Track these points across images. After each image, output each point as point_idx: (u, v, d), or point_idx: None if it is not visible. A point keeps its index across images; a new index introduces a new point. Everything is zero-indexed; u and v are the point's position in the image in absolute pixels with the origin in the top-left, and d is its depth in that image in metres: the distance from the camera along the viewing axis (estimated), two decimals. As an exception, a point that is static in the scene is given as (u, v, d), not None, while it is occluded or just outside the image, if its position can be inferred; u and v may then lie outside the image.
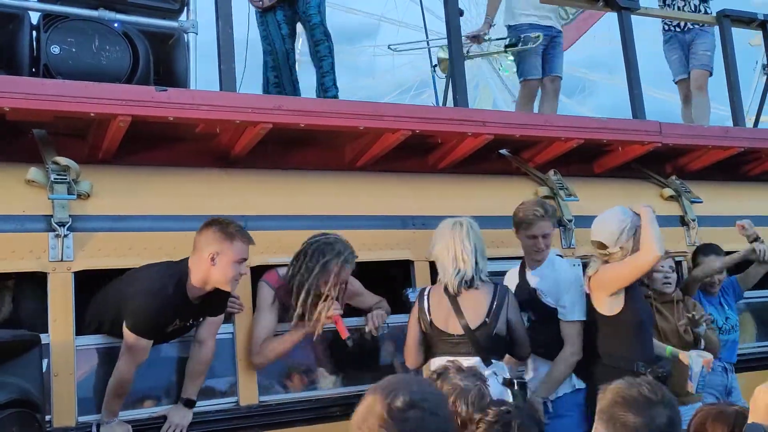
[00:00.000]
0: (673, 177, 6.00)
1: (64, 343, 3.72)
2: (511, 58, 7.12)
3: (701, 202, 5.85)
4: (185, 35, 4.54)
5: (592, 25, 19.45)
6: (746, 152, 6.11)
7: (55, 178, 3.87)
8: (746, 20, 6.66)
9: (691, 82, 6.98)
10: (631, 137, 5.52)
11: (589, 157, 5.86)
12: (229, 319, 4.10)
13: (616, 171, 5.89)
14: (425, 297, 4.09)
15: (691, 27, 6.97)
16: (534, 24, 6.36)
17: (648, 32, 9.84)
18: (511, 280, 4.53)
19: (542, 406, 4.15)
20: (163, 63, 4.60)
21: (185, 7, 4.56)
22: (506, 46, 6.56)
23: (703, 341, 4.74)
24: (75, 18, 4.24)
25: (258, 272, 4.27)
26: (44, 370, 3.50)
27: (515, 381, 3.90)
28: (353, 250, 4.14)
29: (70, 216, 3.84)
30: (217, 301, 3.90)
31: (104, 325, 3.85)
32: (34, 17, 4.28)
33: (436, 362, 3.90)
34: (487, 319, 3.96)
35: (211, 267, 3.68)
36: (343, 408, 4.08)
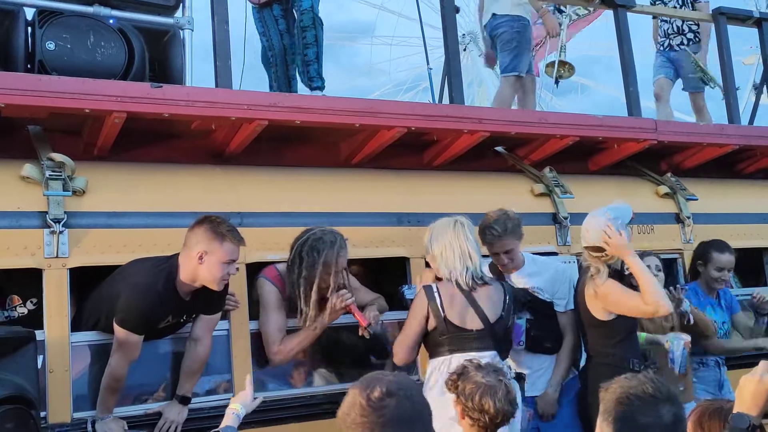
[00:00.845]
0: (669, 174, 6.01)
1: (60, 339, 3.71)
2: None
3: (696, 199, 5.85)
4: (181, 32, 4.54)
5: (588, 24, 19.48)
6: (741, 150, 6.13)
7: (50, 175, 3.86)
8: (742, 18, 6.67)
9: (691, 104, 7.26)
10: (627, 134, 5.53)
11: (584, 155, 5.87)
12: (224, 316, 4.10)
13: (611, 168, 5.91)
14: (436, 294, 3.97)
15: (677, 49, 7.17)
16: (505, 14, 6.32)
17: (644, 32, 9.90)
18: None
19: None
20: (158, 60, 4.59)
21: (181, 4, 4.55)
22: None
23: (691, 318, 4.70)
24: (70, 14, 4.24)
25: (254, 269, 4.27)
26: (39, 366, 3.50)
27: (525, 375, 4.03)
28: (340, 234, 4.14)
29: (65, 212, 3.83)
30: (212, 299, 3.88)
31: (100, 321, 3.84)
32: (29, 13, 4.28)
33: (453, 361, 3.75)
34: (503, 313, 4.00)
35: (198, 265, 3.67)
36: (338, 405, 4.07)
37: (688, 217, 5.72)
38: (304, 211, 4.48)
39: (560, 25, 6.79)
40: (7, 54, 4.17)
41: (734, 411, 2.32)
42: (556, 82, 7.36)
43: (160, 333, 3.91)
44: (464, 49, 24.29)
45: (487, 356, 3.76)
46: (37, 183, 3.88)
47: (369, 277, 4.81)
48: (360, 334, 4.18)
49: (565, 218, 5.21)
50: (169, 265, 3.76)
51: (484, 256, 4.23)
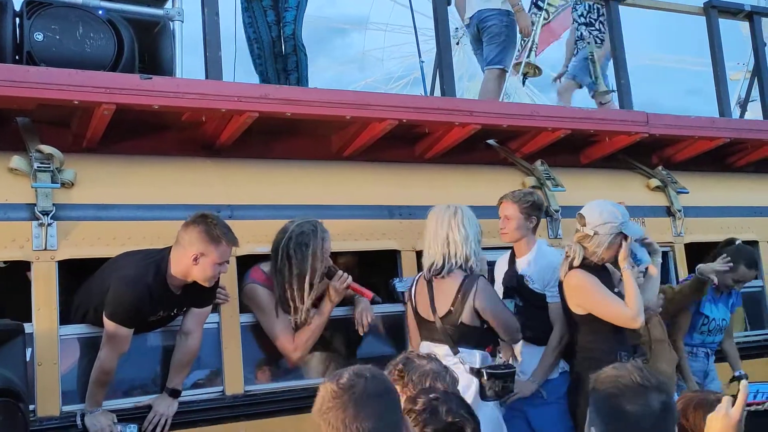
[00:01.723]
0: (660, 167, 6.02)
1: (48, 332, 3.70)
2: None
3: (687, 192, 5.86)
4: (171, 23, 4.51)
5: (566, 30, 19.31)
6: (732, 143, 6.13)
7: (38, 167, 3.84)
8: (733, 11, 6.68)
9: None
10: (618, 128, 5.53)
11: (575, 148, 5.87)
12: (215, 309, 4.09)
13: (602, 161, 5.90)
14: (414, 284, 4.21)
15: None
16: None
17: (639, 26, 9.94)
18: (501, 267, 4.61)
19: (536, 391, 4.25)
20: (148, 51, 4.57)
21: (171, -6, 4.53)
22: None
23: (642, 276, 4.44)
24: (59, 5, 4.20)
25: (244, 261, 4.25)
26: (28, 359, 3.48)
27: (484, 371, 3.84)
28: (315, 220, 4.18)
29: (53, 205, 3.81)
30: (202, 292, 3.87)
31: (89, 314, 3.83)
32: (17, 4, 4.24)
33: (423, 348, 4.01)
34: (451, 308, 4.00)
35: (193, 265, 3.69)
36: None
37: (679, 210, 5.73)
38: (295, 204, 4.46)
39: (533, 24, 6.81)
40: (-5, 45, 4.14)
41: None
42: (523, 81, 7.57)
43: (150, 326, 3.90)
44: (457, 43, 24.25)
45: (443, 349, 3.90)
46: (25, 175, 3.85)
47: (360, 269, 4.80)
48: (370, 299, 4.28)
49: (557, 211, 5.22)
50: (159, 258, 3.75)
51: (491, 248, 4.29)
